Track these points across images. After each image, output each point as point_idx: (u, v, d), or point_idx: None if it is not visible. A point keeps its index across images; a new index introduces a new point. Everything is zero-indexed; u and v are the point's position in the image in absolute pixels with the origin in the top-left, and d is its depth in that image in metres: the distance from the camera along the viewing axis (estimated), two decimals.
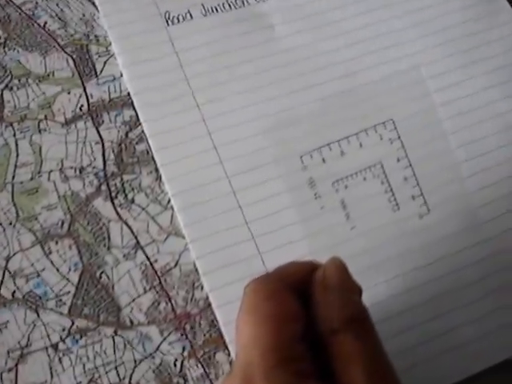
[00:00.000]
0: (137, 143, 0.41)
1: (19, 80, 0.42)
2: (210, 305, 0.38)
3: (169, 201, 0.40)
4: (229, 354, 0.38)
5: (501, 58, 0.46)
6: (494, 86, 0.45)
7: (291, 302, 0.29)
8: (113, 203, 0.40)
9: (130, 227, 0.40)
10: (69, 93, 0.42)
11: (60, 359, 0.37)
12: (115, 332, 0.37)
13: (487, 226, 0.42)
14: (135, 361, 0.37)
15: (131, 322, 0.38)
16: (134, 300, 0.38)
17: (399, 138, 0.43)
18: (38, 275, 0.38)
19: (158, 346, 0.37)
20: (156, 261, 0.39)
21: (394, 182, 0.42)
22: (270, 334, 0.28)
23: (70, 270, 0.38)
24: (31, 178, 0.40)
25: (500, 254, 0.41)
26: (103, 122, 0.42)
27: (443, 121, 0.44)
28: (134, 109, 0.42)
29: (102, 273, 0.38)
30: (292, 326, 0.28)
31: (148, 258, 0.39)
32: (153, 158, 0.41)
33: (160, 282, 0.39)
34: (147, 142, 0.41)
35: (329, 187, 0.41)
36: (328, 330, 0.29)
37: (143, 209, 0.40)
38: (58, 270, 0.38)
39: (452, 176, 0.43)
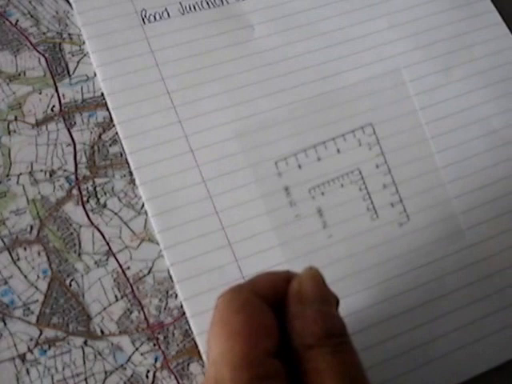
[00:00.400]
0: (110, 145, 0.40)
1: None
2: (184, 314, 0.37)
3: (142, 205, 0.39)
4: (203, 365, 0.36)
5: (484, 61, 0.46)
6: (477, 89, 0.45)
7: (264, 315, 0.28)
8: (84, 208, 0.39)
9: (101, 233, 0.38)
10: (40, 93, 0.41)
11: (27, 370, 0.35)
12: (85, 342, 0.36)
13: (469, 233, 0.41)
14: (106, 372, 0.36)
15: (102, 331, 0.36)
16: (105, 309, 0.37)
17: (378, 143, 0.42)
18: (6, 282, 0.37)
19: (130, 357, 0.36)
20: (128, 268, 0.38)
21: (372, 189, 0.41)
22: (242, 349, 0.26)
23: (38, 277, 0.37)
24: None
25: (482, 262, 0.40)
26: (75, 123, 0.41)
27: (424, 125, 0.43)
28: (107, 110, 0.41)
29: (71, 280, 0.37)
30: (265, 341, 0.27)
31: (120, 265, 0.38)
32: (126, 161, 0.40)
33: (132, 290, 0.37)
34: (121, 144, 0.40)
35: (305, 194, 0.40)
36: (303, 345, 0.27)
37: (116, 214, 0.39)
38: (26, 277, 0.37)
39: (433, 182, 0.42)
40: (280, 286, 0.29)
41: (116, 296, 0.37)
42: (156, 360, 0.36)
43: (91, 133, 0.40)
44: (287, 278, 0.30)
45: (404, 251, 0.40)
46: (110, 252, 0.38)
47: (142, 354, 0.36)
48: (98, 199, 0.39)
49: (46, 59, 0.42)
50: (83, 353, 0.36)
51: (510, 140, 0.43)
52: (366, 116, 0.42)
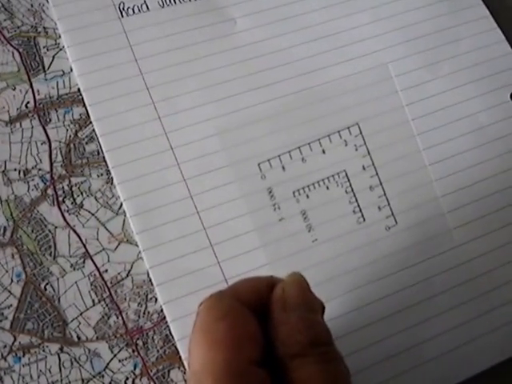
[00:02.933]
0: (87, 143, 0.39)
1: None
2: (164, 318, 0.36)
3: (121, 206, 0.38)
4: (184, 372, 0.36)
5: (471, 55, 0.45)
6: (463, 85, 0.44)
7: (248, 322, 0.27)
8: (60, 208, 0.38)
9: (77, 234, 0.37)
10: (14, 89, 0.40)
11: (1, 378, 0.34)
12: (61, 349, 0.35)
13: (457, 233, 0.40)
14: (83, 380, 0.35)
15: (78, 337, 0.35)
16: (81, 314, 0.36)
17: (365, 144, 0.41)
18: None
19: (108, 364, 0.35)
20: (106, 271, 0.37)
21: (358, 192, 0.40)
22: (225, 359, 0.25)
23: (12, 281, 0.36)
24: None
25: (470, 262, 0.40)
26: (51, 120, 0.39)
27: (410, 121, 0.42)
28: (84, 106, 0.40)
29: (46, 284, 0.36)
30: (249, 349, 0.26)
31: (97, 268, 0.37)
32: (104, 160, 0.39)
33: (110, 294, 0.36)
34: (98, 142, 0.39)
35: (289, 197, 0.39)
36: (287, 354, 0.26)
37: (93, 214, 0.38)
38: None
39: (420, 180, 0.41)
40: (263, 291, 0.28)
41: (93, 300, 0.36)
42: (135, 367, 0.35)
43: (67, 130, 0.39)
44: (270, 283, 0.29)
45: (390, 253, 0.39)
46: (86, 254, 0.37)
47: (120, 361, 0.35)
48: (74, 199, 0.38)
49: (20, 54, 0.41)
50: (59, 360, 0.35)
51: (497, 137, 0.43)
52: (352, 112, 0.41)
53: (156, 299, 0.36)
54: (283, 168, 0.39)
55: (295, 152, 0.40)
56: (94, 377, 0.35)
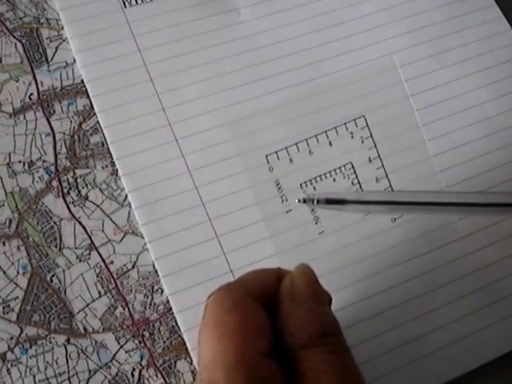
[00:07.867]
0: (91, 135, 0.39)
1: None
2: (170, 309, 0.36)
3: (126, 197, 0.38)
4: (191, 362, 0.36)
5: (477, 45, 0.45)
6: (469, 75, 0.44)
7: (258, 314, 0.27)
8: (65, 200, 0.37)
9: (83, 226, 0.37)
10: (17, 80, 0.40)
11: (8, 370, 0.34)
12: (68, 340, 0.35)
13: (461, 224, 0.40)
14: (90, 371, 0.35)
15: (85, 329, 0.35)
16: (87, 305, 0.36)
17: (371, 136, 0.41)
18: None
19: (114, 355, 0.35)
20: (112, 262, 0.37)
21: (365, 183, 0.40)
22: (236, 350, 0.25)
23: (18, 273, 0.36)
24: None
25: (475, 253, 0.40)
26: (54, 111, 0.39)
27: (415, 112, 0.42)
28: (88, 97, 0.40)
29: (52, 276, 0.36)
30: (259, 341, 0.26)
31: (103, 260, 0.37)
32: (108, 151, 0.39)
33: (116, 286, 0.36)
34: (102, 134, 0.39)
35: (296, 189, 0.39)
36: (297, 345, 0.26)
37: (98, 206, 0.38)
38: (5, 273, 0.36)
39: (424, 171, 0.41)
40: (271, 283, 0.29)
41: (99, 292, 0.36)
42: (142, 358, 0.35)
43: (71, 122, 0.39)
44: (278, 275, 0.29)
45: (396, 244, 0.39)
46: (92, 246, 0.37)
47: (126, 352, 0.35)
48: (79, 191, 0.38)
49: (22, 45, 0.40)
50: (66, 351, 0.35)
51: (503, 127, 0.43)
52: (358, 103, 0.41)
53: (162, 290, 0.36)
54: (290, 160, 0.39)
55: (302, 144, 0.40)
56: (100, 368, 0.35)
